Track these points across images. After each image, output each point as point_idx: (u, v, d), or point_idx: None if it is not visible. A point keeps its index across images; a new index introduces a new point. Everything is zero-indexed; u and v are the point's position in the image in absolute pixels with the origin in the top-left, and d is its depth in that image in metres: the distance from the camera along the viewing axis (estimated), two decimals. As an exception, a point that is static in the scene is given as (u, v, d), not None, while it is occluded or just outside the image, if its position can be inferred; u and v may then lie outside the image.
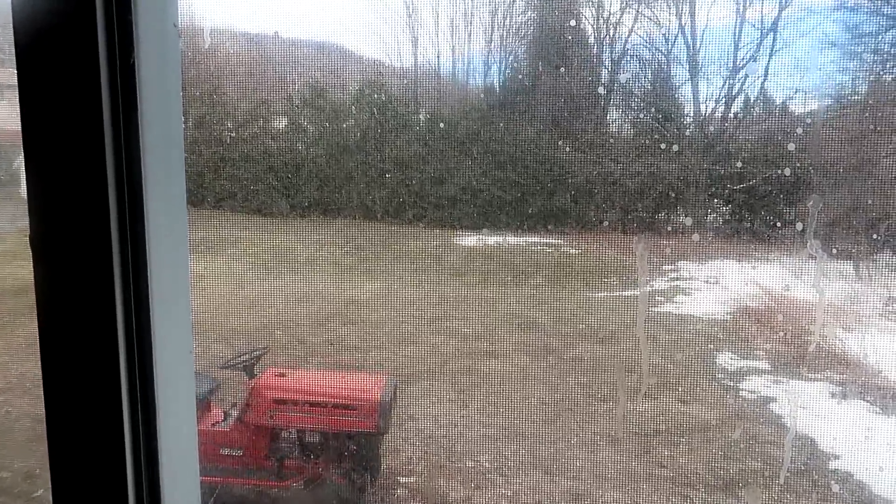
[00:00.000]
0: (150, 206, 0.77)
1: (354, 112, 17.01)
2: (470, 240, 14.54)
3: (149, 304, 0.74)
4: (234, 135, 16.71)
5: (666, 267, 12.33)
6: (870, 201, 10.45)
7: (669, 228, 15.07)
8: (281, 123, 17.40)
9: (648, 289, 10.95)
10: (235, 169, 16.46)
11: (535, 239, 14.66)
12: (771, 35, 15.54)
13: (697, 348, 8.44)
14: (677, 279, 11.57)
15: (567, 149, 15.29)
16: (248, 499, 4.76)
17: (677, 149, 14.97)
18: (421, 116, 17.71)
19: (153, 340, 0.74)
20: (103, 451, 0.72)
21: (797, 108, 14.97)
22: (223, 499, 4.58)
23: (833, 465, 5.46)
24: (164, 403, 0.75)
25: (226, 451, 4.57)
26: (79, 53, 0.74)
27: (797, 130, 13.87)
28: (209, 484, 4.45)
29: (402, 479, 5.20)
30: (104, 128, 0.73)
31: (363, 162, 16.37)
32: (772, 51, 15.54)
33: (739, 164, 14.04)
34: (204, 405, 4.80)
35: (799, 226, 11.96)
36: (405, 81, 18.37)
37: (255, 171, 16.42)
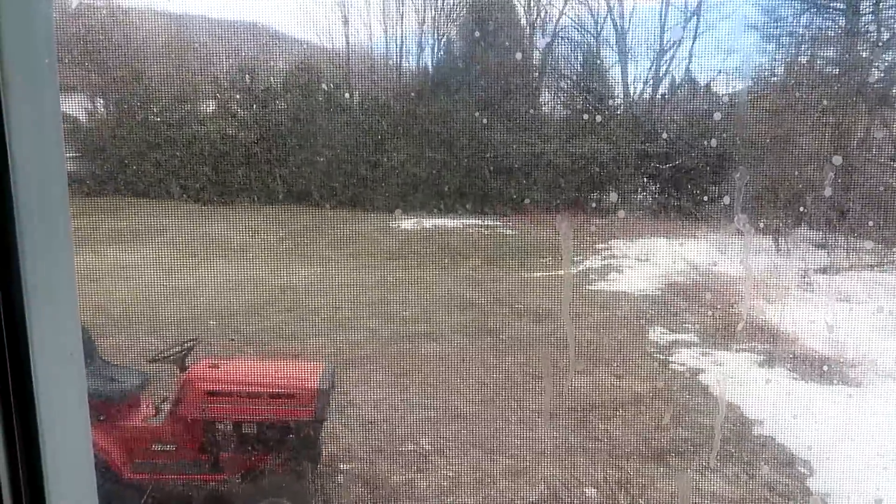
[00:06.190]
0: (19, 193, 0.67)
1: (285, 94, 16.59)
2: (408, 223, 14.49)
3: (23, 303, 0.67)
4: (159, 119, 16.02)
5: (599, 245, 12.61)
6: (789, 178, 10.91)
7: (601, 207, 15.40)
8: (209, 107, 16.78)
9: (575, 269, 11.20)
10: (162, 154, 15.82)
11: (473, 221, 14.73)
12: (695, 18, 15.99)
13: (630, 324, 8.69)
14: (610, 257, 11.85)
15: (502, 130, 15.37)
16: (184, 495, 4.63)
17: (608, 129, 15.27)
18: (355, 98, 17.45)
19: (31, 342, 0.67)
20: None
21: (720, 88, 15.48)
22: (157, 496, 4.44)
23: (757, 430, 5.73)
24: (47, 408, 0.69)
25: (158, 447, 4.43)
26: None
27: (720, 110, 14.35)
28: (140, 482, 4.30)
29: (343, 466, 5.18)
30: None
31: (295, 145, 16.02)
32: (696, 33, 16.00)
33: (667, 144, 14.45)
34: (134, 401, 4.63)
35: (726, 200, 12.41)
36: (337, 62, 18.01)
37: (182, 157, 15.82)
